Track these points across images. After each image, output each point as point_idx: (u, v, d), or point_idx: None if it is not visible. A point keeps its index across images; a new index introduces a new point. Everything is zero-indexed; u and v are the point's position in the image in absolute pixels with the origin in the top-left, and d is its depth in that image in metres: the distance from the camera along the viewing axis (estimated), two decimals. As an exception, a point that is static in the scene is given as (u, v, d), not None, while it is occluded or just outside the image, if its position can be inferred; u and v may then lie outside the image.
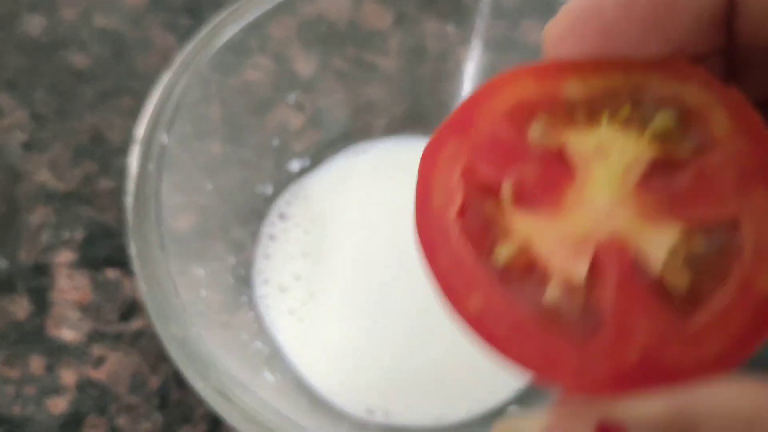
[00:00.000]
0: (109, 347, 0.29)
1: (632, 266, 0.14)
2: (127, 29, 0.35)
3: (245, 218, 0.28)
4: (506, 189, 0.14)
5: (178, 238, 0.24)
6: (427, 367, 0.26)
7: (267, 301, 0.27)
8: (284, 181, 0.29)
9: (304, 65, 0.30)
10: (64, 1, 0.36)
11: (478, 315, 0.14)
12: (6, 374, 0.28)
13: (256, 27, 0.27)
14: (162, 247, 0.22)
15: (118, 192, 0.31)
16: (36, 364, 0.28)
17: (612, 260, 0.14)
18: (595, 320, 0.13)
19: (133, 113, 0.33)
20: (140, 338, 0.29)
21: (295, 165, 0.29)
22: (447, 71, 0.30)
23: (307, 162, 0.30)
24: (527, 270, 0.14)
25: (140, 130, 0.24)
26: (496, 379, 0.26)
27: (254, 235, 0.28)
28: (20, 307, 0.29)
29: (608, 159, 0.14)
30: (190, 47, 0.25)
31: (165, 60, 0.34)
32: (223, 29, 0.26)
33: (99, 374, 0.28)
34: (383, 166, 0.29)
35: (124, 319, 0.29)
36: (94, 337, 0.29)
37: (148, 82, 0.34)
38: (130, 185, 0.23)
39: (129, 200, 0.23)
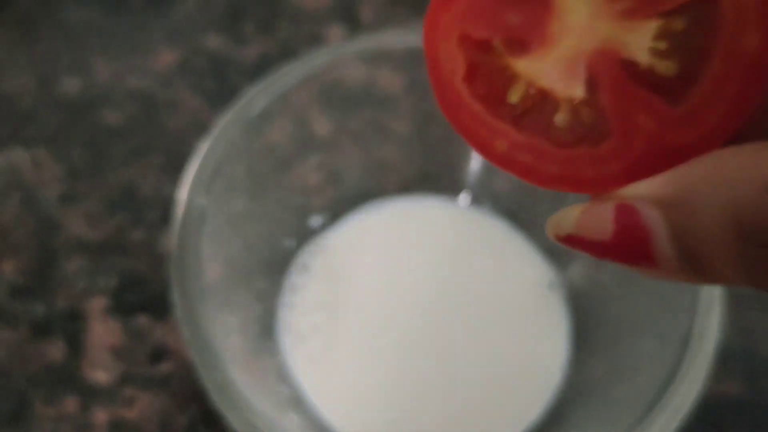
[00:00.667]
0: (140, 389, 0.31)
1: (622, 67, 0.15)
2: (158, 90, 0.38)
3: (269, 270, 0.30)
4: (498, 44, 0.16)
5: (212, 290, 0.27)
6: (442, 414, 0.28)
7: (289, 349, 0.29)
8: (305, 235, 0.32)
9: (323, 127, 0.33)
10: (98, 64, 0.38)
11: (505, 155, 0.16)
12: (43, 413, 0.30)
13: (281, 96, 0.29)
14: (202, 297, 0.24)
15: (149, 242, 0.34)
16: (71, 404, 0.30)
17: (603, 68, 0.15)
18: (605, 128, 0.15)
19: (163, 169, 0.36)
20: (169, 380, 0.31)
21: (315, 220, 0.32)
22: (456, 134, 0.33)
23: (326, 218, 0.32)
24: (538, 104, 0.16)
25: (182, 192, 0.26)
26: (511, 423, 0.28)
27: (278, 286, 0.30)
28: (57, 350, 0.31)
29: None
30: (226, 117, 0.28)
31: (192, 119, 0.37)
32: (255, 101, 0.29)
33: (130, 414, 0.30)
34: (397, 223, 0.31)
35: (154, 363, 0.31)
36: (126, 379, 0.31)
37: (176, 139, 0.36)
38: (173, 240, 0.25)
39: (173, 254, 0.25)
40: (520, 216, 0.32)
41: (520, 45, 0.16)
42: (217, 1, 0.41)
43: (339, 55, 0.28)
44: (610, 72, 0.15)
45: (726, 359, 0.32)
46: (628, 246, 0.14)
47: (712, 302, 0.25)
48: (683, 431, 0.30)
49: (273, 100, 0.28)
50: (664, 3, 0.14)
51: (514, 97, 0.16)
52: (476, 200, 0.33)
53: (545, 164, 0.15)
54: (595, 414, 0.27)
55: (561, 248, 0.32)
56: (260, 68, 0.38)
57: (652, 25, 0.14)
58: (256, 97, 0.28)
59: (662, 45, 0.14)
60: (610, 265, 0.31)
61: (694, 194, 0.13)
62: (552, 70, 0.16)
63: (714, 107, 0.14)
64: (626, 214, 0.14)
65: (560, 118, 0.15)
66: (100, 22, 0.40)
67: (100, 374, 0.31)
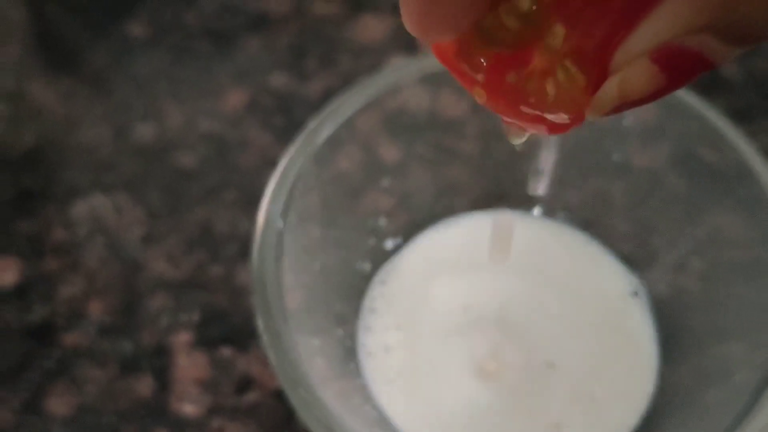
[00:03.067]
0: (227, 419, 0.31)
1: None
2: (228, 131, 0.39)
3: (347, 294, 0.31)
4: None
5: (293, 315, 0.27)
6: (520, 425, 0.28)
7: (370, 370, 0.29)
8: (380, 257, 0.32)
9: (390, 153, 0.33)
10: (170, 110, 0.40)
11: (486, 102, 0.18)
12: (135, 448, 0.31)
13: (346, 125, 0.30)
14: (285, 321, 0.25)
15: (228, 277, 0.34)
16: (162, 437, 0.31)
17: None
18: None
19: (237, 205, 0.37)
20: (256, 410, 0.31)
21: (389, 243, 0.32)
22: (524, 151, 0.33)
23: (399, 240, 0.32)
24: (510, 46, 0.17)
25: (260, 218, 0.27)
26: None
27: (356, 309, 0.31)
28: (145, 385, 0.32)
29: None
30: (295, 146, 0.28)
31: (263, 156, 0.38)
32: (321, 129, 0.29)
33: (219, 445, 0.31)
34: (471, 238, 0.31)
35: (240, 393, 0.32)
36: (213, 410, 0.31)
37: (249, 176, 0.37)
38: (254, 265, 0.26)
39: (254, 278, 0.25)
40: (595, 226, 0.32)
41: None
42: (280, 41, 0.42)
43: (397, 76, 0.29)
44: None
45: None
46: (685, 75, 0.15)
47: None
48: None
49: (337, 127, 0.29)
50: None
51: (485, 28, 0.17)
52: (549, 213, 0.33)
53: (524, 111, 0.17)
54: (688, 421, 0.26)
55: (641, 256, 0.32)
56: (325, 102, 0.39)
57: None
58: (320, 125, 0.28)
59: None
60: (692, 270, 0.31)
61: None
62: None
63: None
64: (670, 56, 0.14)
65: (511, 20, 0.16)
66: (169, 70, 0.41)
67: (188, 407, 0.31)
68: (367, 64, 0.40)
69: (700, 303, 0.29)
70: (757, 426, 0.23)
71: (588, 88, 0.16)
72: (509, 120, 0.18)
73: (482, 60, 0.17)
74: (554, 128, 0.17)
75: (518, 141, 0.19)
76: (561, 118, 0.17)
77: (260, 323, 0.25)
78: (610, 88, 0.15)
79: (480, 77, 0.17)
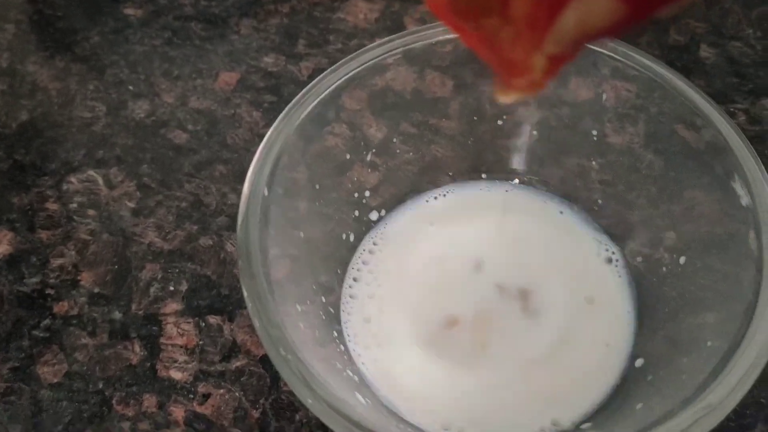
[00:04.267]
0: (213, 385, 0.32)
1: None
2: (219, 108, 0.40)
3: (332, 264, 0.31)
4: None
5: (278, 283, 0.28)
6: (508, 393, 0.29)
7: (351, 336, 0.30)
8: (364, 229, 0.33)
9: (376, 131, 0.34)
10: (163, 88, 0.41)
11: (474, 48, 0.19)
12: (123, 412, 0.32)
13: (331, 100, 0.31)
14: (270, 288, 0.25)
15: (216, 248, 0.35)
16: (149, 402, 0.32)
17: None
18: None
19: (226, 180, 0.37)
20: (241, 376, 0.32)
21: (373, 215, 0.33)
22: (504, 129, 0.34)
23: (383, 212, 0.33)
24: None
25: (245, 186, 0.28)
26: (566, 397, 0.28)
27: (340, 278, 0.31)
28: (134, 353, 0.33)
29: None
30: (279, 120, 0.29)
31: (252, 133, 0.39)
32: (304, 104, 0.30)
33: (205, 410, 0.31)
34: (452, 209, 0.32)
35: (226, 360, 0.32)
36: (200, 376, 0.32)
37: (238, 152, 0.38)
38: (240, 234, 0.26)
39: (240, 245, 0.26)
40: (574, 201, 0.33)
41: None
42: (271, 23, 0.43)
43: (378, 52, 0.30)
44: None
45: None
46: (646, 4, 0.15)
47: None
48: (750, 400, 0.30)
49: (321, 103, 0.30)
50: None
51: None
52: (527, 186, 0.33)
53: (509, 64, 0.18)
54: (661, 386, 0.27)
55: (618, 230, 0.32)
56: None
57: None
58: (303, 99, 0.29)
59: None
60: (667, 244, 0.31)
61: None
62: None
63: None
64: None
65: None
66: (162, 50, 0.42)
67: (175, 373, 0.32)
68: (357, 46, 0.41)
69: (676, 275, 0.30)
70: (724, 389, 0.23)
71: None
72: (495, 65, 0.19)
73: (469, 9, 0.18)
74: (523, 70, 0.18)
75: (506, 100, 0.19)
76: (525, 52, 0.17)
77: (245, 288, 0.25)
78: (569, 18, 0.15)
79: (470, 26, 0.18)
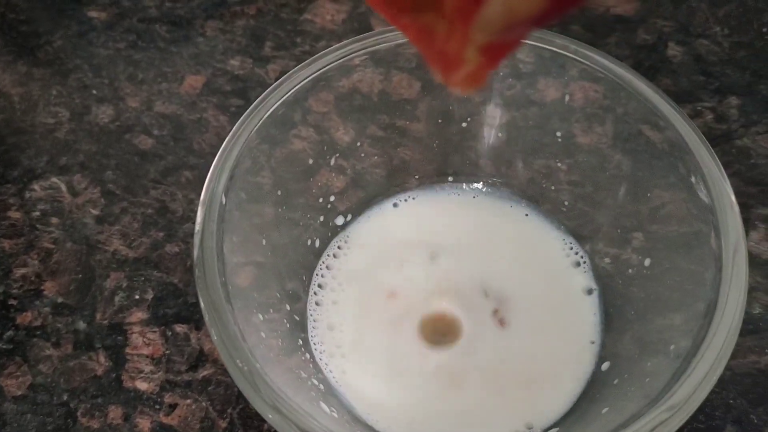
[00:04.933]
0: (180, 395, 0.31)
1: None
2: (185, 112, 0.39)
3: (297, 270, 0.31)
4: None
5: (241, 292, 0.27)
6: (475, 399, 0.28)
7: (317, 344, 0.30)
8: (330, 234, 0.32)
9: (343, 134, 0.33)
10: (128, 93, 0.40)
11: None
12: (88, 424, 0.31)
13: (297, 102, 0.30)
14: (228, 298, 0.25)
15: (182, 256, 0.35)
16: (114, 414, 0.31)
17: None
18: None
19: (193, 186, 0.37)
20: (208, 385, 0.31)
21: (339, 220, 0.33)
22: (471, 131, 0.33)
23: (349, 217, 0.33)
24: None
25: (202, 195, 0.27)
26: (535, 402, 0.28)
27: (305, 285, 0.31)
28: (98, 364, 0.32)
29: None
30: (238, 125, 0.29)
31: (219, 137, 0.38)
32: (267, 105, 0.29)
33: (171, 420, 0.31)
34: (419, 213, 0.32)
35: (193, 369, 0.32)
36: (166, 387, 0.32)
37: (205, 157, 0.38)
38: (196, 241, 0.26)
39: (196, 255, 0.26)
40: (541, 202, 0.33)
41: None
42: (237, 26, 0.42)
43: (342, 53, 0.29)
44: None
45: (761, 331, 0.32)
46: None
47: (736, 275, 0.25)
48: (719, 401, 0.30)
49: (286, 104, 0.29)
50: None
51: None
52: (495, 190, 0.33)
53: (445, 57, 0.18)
54: (627, 389, 0.27)
55: (585, 231, 0.32)
56: (280, 84, 0.39)
57: None
58: (266, 100, 0.28)
59: None
60: (634, 244, 0.31)
61: None
62: None
63: None
64: None
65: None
66: (127, 53, 0.42)
67: (141, 383, 0.32)
68: (324, 48, 0.41)
69: (643, 276, 0.30)
70: (686, 390, 0.23)
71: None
72: (432, 59, 0.18)
73: (403, 2, 0.17)
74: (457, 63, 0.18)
75: (459, 91, 0.19)
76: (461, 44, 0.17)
77: (201, 298, 0.25)
78: (495, 6, 0.15)
79: (406, 20, 0.18)
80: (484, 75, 0.17)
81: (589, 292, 0.31)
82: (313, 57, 0.30)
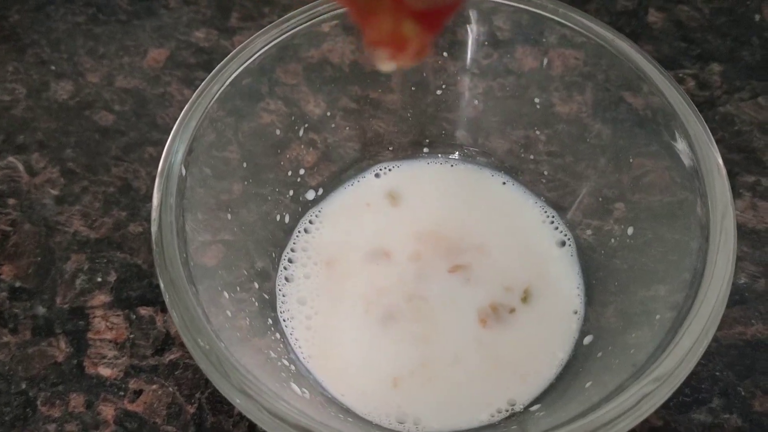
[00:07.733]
0: (145, 381, 0.30)
1: None
2: (147, 87, 0.37)
3: (266, 247, 0.30)
4: None
5: (207, 271, 0.26)
6: (455, 375, 0.27)
7: (287, 320, 0.28)
8: (301, 210, 0.31)
9: (314, 106, 0.32)
10: (88, 68, 0.38)
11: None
12: (48, 413, 0.29)
13: (263, 73, 0.29)
14: (190, 278, 0.23)
15: (146, 236, 0.33)
16: (76, 402, 0.30)
17: None
18: None
19: (157, 162, 0.35)
20: (175, 370, 0.30)
21: (310, 194, 0.31)
22: (447, 101, 0.32)
23: (320, 191, 0.31)
24: None
25: (160, 165, 0.26)
26: (516, 382, 0.27)
27: (275, 262, 0.30)
28: (59, 350, 0.31)
29: None
30: (199, 90, 0.27)
31: (182, 111, 0.36)
32: (228, 71, 0.27)
33: (136, 407, 0.29)
34: (393, 185, 0.31)
35: (159, 354, 0.30)
36: (130, 372, 0.30)
37: (168, 132, 0.36)
38: (154, 216, 0.24)
39: (154, 231, 0.24)
40: (520, 173, 0.32)
41: None
42: (202, -4, 0.41)
43: (306, 16, 0.28)
44: None
45: (748, 302, 0.31)
46: None
47: (724, 241, 0.24)
48: (705, 373, 0.29)
49: (249, 72, 0.28)
50: None
51: None
52: (472, 160, 0.32)
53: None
54: (610, 361, 0.26)
55: (566, 203, 0.31)
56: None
57: None
58: (228, 66, 0.27)
59: None
60: (617, 215, 0.30)
61: None
62: None
63: None
64: None
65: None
66: (87, 27, 0.40)
67: (104, 369, 0.30)
68: (293, 19, 0.39)
69: (625, 247, 0.29)
70: (673, 361, 0.22)
71: None
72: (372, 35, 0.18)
73: None
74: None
75: (386, 68, 0.19)
76: None
77: (160, 278, 0.23)
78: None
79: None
80: (428, 44, 0.17)
81: (571, 263, 0.29)
82: (278, 20, 0.28)
